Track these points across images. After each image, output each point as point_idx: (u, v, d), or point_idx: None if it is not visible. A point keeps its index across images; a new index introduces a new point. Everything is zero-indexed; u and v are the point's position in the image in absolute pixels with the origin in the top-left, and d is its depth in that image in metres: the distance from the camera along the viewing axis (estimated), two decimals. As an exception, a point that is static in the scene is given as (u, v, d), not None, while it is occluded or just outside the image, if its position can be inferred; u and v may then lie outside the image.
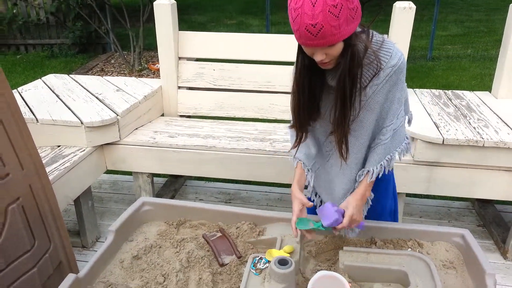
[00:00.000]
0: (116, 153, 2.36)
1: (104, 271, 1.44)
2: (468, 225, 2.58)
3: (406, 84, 1.40)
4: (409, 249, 1.52)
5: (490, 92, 2.63)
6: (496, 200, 2.65)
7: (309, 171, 1.53)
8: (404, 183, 2.15)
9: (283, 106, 2.63)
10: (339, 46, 1.18)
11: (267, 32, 7.86)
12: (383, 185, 1.57)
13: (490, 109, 2.34)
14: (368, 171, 1.43)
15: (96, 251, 2.31)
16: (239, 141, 2.33)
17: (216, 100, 2.72)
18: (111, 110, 2.34)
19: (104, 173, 2.48)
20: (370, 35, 1.29)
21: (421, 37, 7.72)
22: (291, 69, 1.39)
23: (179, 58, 2.74)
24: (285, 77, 2.60)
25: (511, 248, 2.23)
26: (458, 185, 2.11)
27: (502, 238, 2.34)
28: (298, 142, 1.47)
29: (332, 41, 1.14)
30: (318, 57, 1.20)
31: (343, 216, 1.41)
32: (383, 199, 1.57)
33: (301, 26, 1.12)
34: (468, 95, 2.59)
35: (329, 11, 1.09)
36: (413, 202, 2.80)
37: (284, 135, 2.44)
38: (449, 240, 1.55)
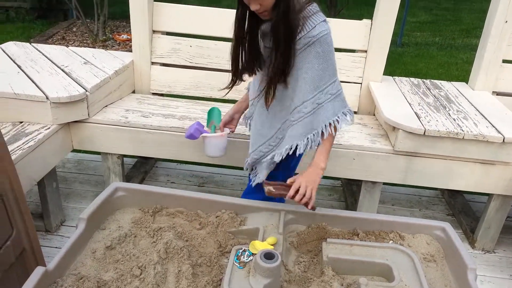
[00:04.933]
0: (84, 132, 2.21)
1: (75, 262, 1.35)
2: (438, 214, 2.64)
3: (333, 66, 1.43)
4: (391, 241, 1.52)
5: (466, 83, 2.66)
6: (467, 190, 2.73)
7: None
8: (382, 172, 2.15)
9: (262, 89, 2.54)
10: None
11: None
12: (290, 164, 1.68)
13: (468, 101, 2.37)
14: (298, 144, 1.49)
15: (61, 235, 2.21)
16: (217, 123, 2.23)
17: (192, 79, 2.59)
18: (79, 85, 2.17)
19: (68, 151, 2.32)
20: (309, 3, 1.38)
21: (392, 22, 7.79)
22: None
23: (153, 31, 2.57)
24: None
25: (479, 238, 2.30)
26: (434, 176, 2.13)
27: (470, 228, 2.41)
28: (231, 87, 1.56)
29: None
30: (253, 6, 1.31)
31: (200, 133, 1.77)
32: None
33: None
34: (446, 85, 2.60)
35: None
36: (385, 189, 2.83)
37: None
38: (430, 233, 1.56)
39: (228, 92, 1.63)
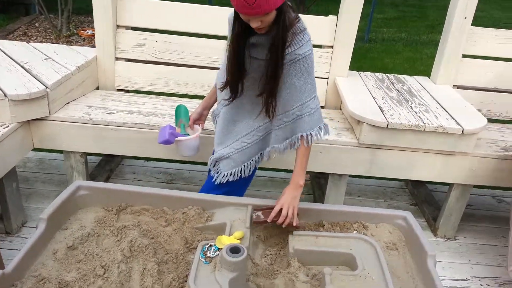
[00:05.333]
0: (45, 129, 2.14)
1: (35, 264, 1.31)
2: (402, 204, 2.72)
3: (314, 82, 1.51)
4: (355, 231, 1.55)
5: (428, 77, 2.74)
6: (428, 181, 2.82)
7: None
8: (348, 164, 2.19)
9: (229, 84, 2.53)
10: (273, 14, 1.33)
11: (210, 2, 7.59)
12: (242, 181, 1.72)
13: (430, 94, 2.44)
14: (273, 147, 1.61)
15: (22, 237, 2.14)
16: (184, 119, 2.21)
17: (158, 75, 2.55)
18: (39, 81, 2.10)
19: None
20: (298, 19, 1.44)
21: (360, 19, 7.92)
22: None
23: (118, 26, 2.51)
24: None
25: (441, 226, 2.39)
26: (397, 167, 2.19)
27: (433, 217, 2.50)
28: (233, 99, 1.57)
29: (266, 10, 1.29)
30: (254, 24, 1.34)
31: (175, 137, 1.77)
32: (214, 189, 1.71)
33: None
34: (409, 79, 2.67)
35: None
36: (352, 182, 2.89)
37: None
38: (392, 222, 1.60)
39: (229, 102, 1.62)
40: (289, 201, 1.48)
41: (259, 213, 1.49)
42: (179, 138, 1.79)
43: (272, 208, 1.49)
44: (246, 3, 1.25)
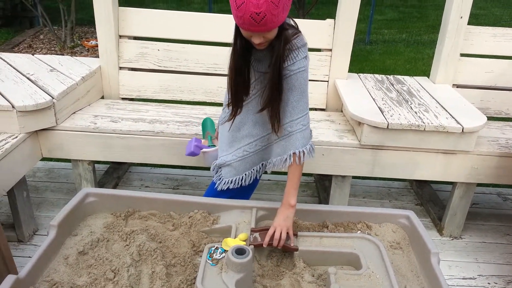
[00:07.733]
0: (52, 139, 2.18)
1: (48, 269, 1.34)
2: (407, 204, 2.73)
3: (306, 100, 1.51)
4: (359, 231, 1.58)
5: (428, 77, 2.76)
6: (432, 180, 2.83)
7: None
8: (350, 166, 2.21)
9: (231, 90, 2.57)
10: (275, 31, 1.36)
11: (210, 10, 7.67)
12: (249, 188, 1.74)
13: (429, 94, 2.46)
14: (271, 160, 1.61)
15: (34, 245, 2.19)
16: (188, 125, 2.26)
17: (161, 82, 2.60)
18: (45, 92, 2.15)
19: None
20: (297, 35, 1.44)
21: (360, 21, 7.91)
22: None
23: (120, 36, 2.57)
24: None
25: (446, 225, 2.40)
26: (400, 167, 2.21)
27: (438, 216, 2.51)
28: (233, 116, 1.60)
29: (271, 27, 1.31)
30: (257, 40, 1.35)
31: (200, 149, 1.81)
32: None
33: (245, 14, 1.25)
34: (408, 80, 2.70)
35: (271, 1, 1.25)
36: (356, 183, 2.90)
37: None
38: (395, 222, 1.62)
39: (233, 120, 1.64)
40: (281, 223, 1.46)
41: (256, 234, 1.48)
42: (204, 149, 1.83)
43: (268, 229, 1.48)
44: (254, 21, 1.25)
